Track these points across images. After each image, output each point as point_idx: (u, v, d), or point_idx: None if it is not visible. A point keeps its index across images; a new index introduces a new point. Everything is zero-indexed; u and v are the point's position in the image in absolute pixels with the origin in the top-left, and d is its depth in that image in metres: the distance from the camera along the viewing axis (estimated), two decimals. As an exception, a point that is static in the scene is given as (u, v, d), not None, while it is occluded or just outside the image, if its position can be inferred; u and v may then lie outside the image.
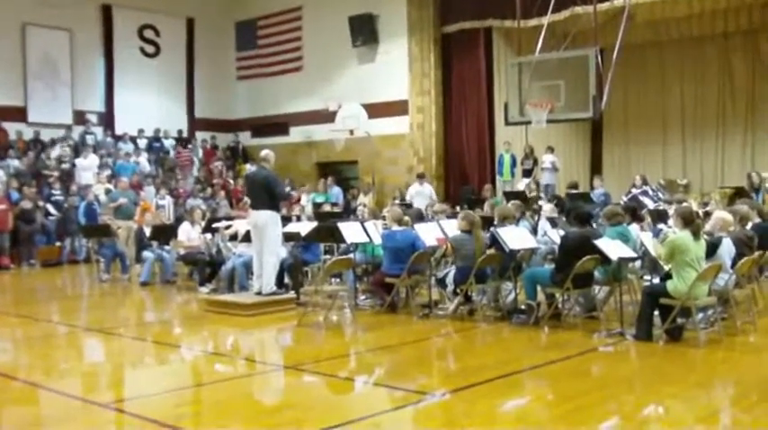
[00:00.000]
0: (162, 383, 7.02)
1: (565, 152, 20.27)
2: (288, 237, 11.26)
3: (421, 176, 19.22)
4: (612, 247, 8.41)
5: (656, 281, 8.64)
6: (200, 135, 24.45)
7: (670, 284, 7.81)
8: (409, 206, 15.39)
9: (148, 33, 23.68)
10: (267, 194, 10.23)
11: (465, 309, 9.64)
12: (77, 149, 20.33)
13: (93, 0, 22.26)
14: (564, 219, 11.65)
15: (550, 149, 18.76)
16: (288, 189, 19.31)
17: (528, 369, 7.06)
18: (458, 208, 15.62)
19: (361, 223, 11.01)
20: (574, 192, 16.41)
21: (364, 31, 21.27)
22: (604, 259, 8.46)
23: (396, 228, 10.29)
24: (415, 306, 10.04)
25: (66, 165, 19.60)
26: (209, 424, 5.74)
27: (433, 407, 5.97)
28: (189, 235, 13.09)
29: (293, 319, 9.64)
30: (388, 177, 21.08)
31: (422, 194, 18.42)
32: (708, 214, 10.79)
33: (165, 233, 13.89)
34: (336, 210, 17.10)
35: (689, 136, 19.55)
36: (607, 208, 10.14)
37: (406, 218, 10.65)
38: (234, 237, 12.41)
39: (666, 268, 8.17)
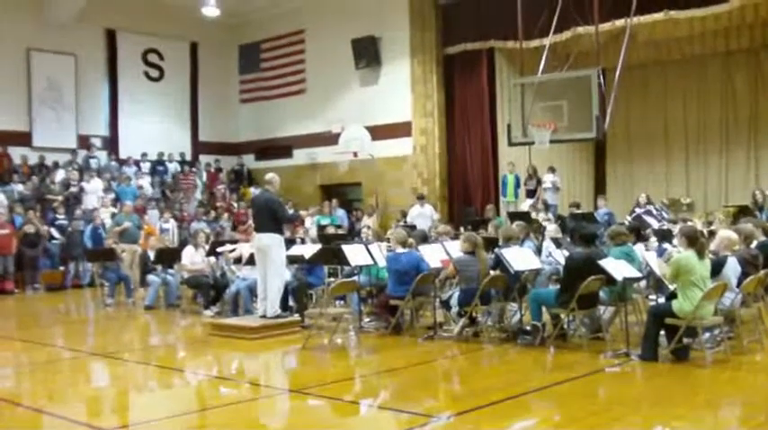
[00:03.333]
0: (167, 408, 7.00)
1: (568, 172, 20.28)
2: (292, 260, 11.26)
3: (421, 198, 19.20)
4: (617, 267, 8.38)
5: (662, 300, 8.61)
6: (203, 158, 24.54)
7: (675, 304, 7.78)
8: (413, 228, 15.37)
9: (152, 57, 23.81)
10: (271, 217, 10.28)
11: (470, 331, 9.59)
12: (82, 173, 20.39)
13: (97, 25, 22.37)
14: (568, 239, 11.63)
15: (551, 169, 18.74)
16: (291, 211, 19.35)
17: (534, 390, 7.01)
18: (461, 229, 15.58)
19: (366, 245, 11.00)
20: (577, 212, 16.38)
21: (367, 53, 21.33)
22: (609, 279, 8.43)
23: (400, 250, 10.27)
24: (419, 328, 10.02)
25: (74, 189, 19.63)
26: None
27: (439, 431, 5.93)
28: (193, 258, 13.09)
29: (298, 342, 9.61)
30: (392, 199, 21.06)
31: (423, 216, 18.36)
32: (712, 233, 10.75)
33: (169, 257, 13.91)
34: (341, 232, 17.07)
35: (692, 155, 19.58)
36: (611, 228, 10.13)
37: (411, 240, 10.63)
38: (238, 261, 12.43)
39: (672, 288, 8.14)
